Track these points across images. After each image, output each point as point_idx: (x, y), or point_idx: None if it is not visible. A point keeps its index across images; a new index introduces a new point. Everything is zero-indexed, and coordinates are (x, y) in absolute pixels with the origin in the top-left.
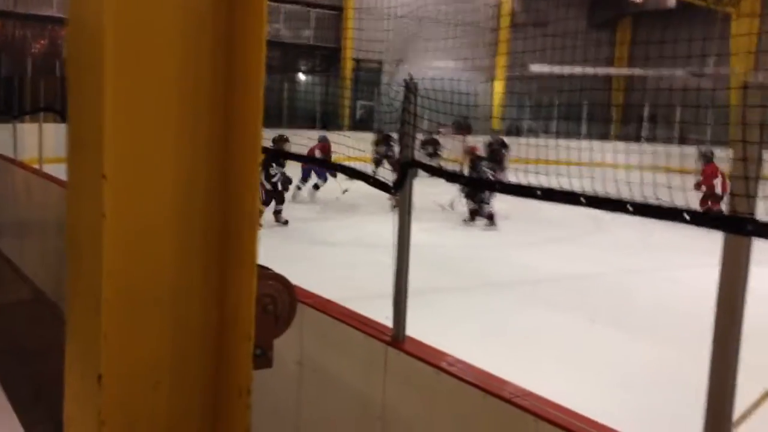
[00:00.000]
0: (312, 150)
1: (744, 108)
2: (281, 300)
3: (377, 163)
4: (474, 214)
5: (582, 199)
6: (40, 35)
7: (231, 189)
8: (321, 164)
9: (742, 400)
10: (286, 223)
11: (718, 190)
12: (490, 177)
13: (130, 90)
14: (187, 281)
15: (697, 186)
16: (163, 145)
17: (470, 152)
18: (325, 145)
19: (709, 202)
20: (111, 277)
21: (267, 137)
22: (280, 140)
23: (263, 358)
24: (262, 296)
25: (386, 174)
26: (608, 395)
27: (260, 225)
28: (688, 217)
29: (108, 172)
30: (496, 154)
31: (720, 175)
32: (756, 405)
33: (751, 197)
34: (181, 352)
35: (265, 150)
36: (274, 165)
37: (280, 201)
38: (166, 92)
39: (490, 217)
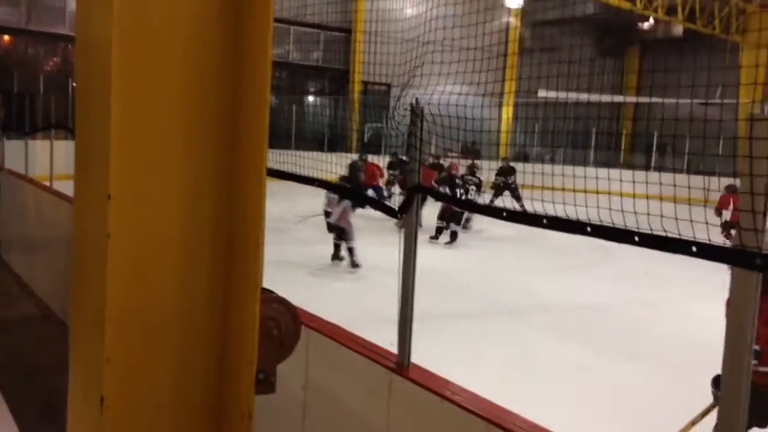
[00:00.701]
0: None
1: (750, 140)
2: (285, 324)
3: (389, 184)
4: (439, 232)
5: (587, 229)
6: (52, 53)
7: (236, 211)
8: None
9: None
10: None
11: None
12: (469, 193)
13: (136, 110)
14: (191, 303)
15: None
16: (168, 166)
17: (448, 170)
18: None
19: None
20: (115, 298)
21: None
22: (353, 168)
23: (266, 383)
24: (265, 319)
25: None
26: (613, 428)
27: (339, 258)
28: (695, 249)
29: (113, 192)
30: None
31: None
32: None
33: (759, 231)
34: (183, 374)
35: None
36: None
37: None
38: (172, 112)
39: (453, 236)
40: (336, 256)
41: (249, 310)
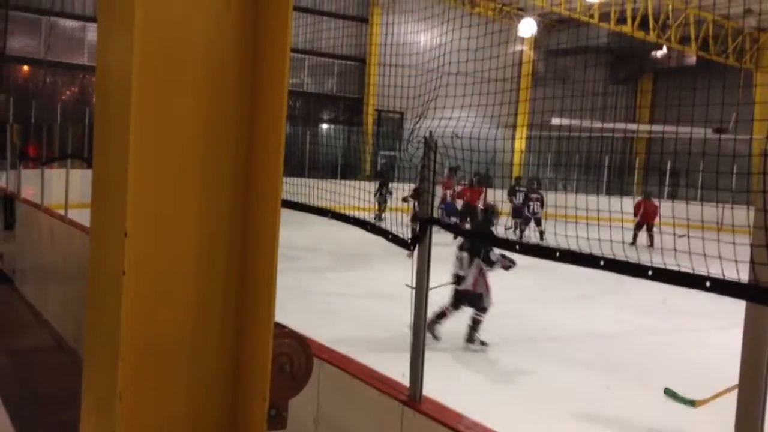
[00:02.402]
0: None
1: (765, 176)
2: (297, 359)
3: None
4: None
5: (601, 263)
6: (70, 83)
7: (250, 248)
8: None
9: None
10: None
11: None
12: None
13: (154, 148)
14: (204, 340)
15: None
16: (185, 204)
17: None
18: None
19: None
20: (129, 335)
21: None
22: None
23: (278, 419)
24: (278, 355)
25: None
26: None
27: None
28: (708, 285)
29: (130, 230)
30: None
31: None
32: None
33: None
34: (196, 410)
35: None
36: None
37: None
38: (189, 151)
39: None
40: (434, 332)
41: (262, 347)
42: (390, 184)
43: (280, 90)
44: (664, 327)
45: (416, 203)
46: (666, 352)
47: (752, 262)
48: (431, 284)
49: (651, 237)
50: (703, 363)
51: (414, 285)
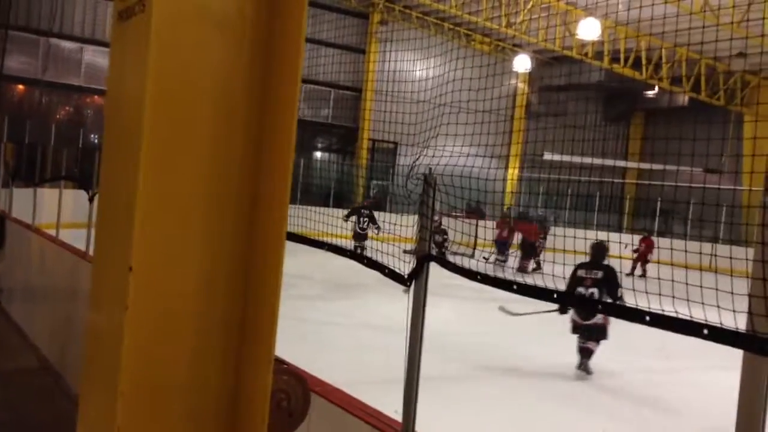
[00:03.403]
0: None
1: (763, 227)
2: (295, 395)
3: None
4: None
5: (599, 307)
6: (65, 103)
7: (252, 284)
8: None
9: None
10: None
11: None
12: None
13: (162, 185)
14: (204, 377)
15: None
16: (190, 241)
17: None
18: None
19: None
20: (128, 370)
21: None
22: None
23: None
24: (276, 391)
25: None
26: None
27: None
28: (706, 332)
29: (135, 265)
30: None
31: None
32: None
33: None
34: None
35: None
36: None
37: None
38: (197, 189)
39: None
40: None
41: (261, 385)
42: (363, 212)
43: (288, 133)
44: (659, 365)
45: (358, 222)
46: (663, 390)
47: (750, 312)
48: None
49: (645, 270)
50: (703, 403)
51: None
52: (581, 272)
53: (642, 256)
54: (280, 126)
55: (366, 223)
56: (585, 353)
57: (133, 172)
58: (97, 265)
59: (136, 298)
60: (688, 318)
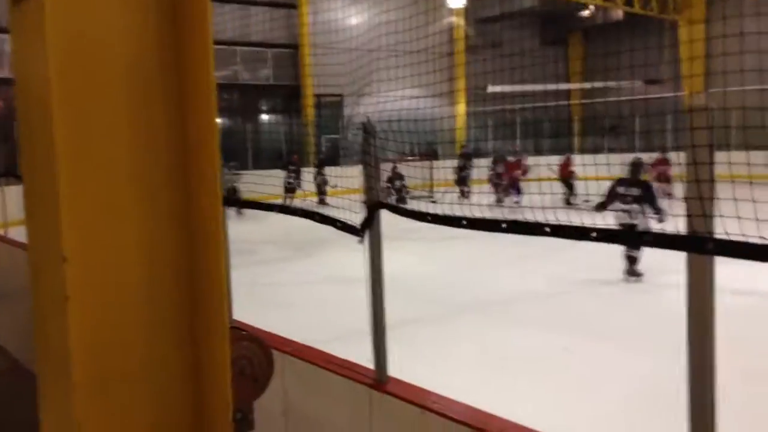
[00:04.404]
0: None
1: (691, 131)
2: (257, 360)
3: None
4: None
5: (547, 230)
6: None
7: (196, 258)
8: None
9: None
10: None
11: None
12: None
13: (83, 166)
14: (160, 356)
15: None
16: (123, 220)
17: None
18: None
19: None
20: (80, 360)
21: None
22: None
23: (244, 422)
24: (237, 359)
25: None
26: (603, 416)
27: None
28: (650, 239)
29: (68, 254)
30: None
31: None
32: None
33: (707, 216)
34: (160, 427)
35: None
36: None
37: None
38: (121, 164)
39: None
40: (633, 271)
41: (219, 354)
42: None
43: (208, 94)
44: (611, 276)
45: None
46: (617, 299)
47: (688, 214)
48: None
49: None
50: (654, 311)
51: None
52: (621, 189)
53: (662, 177)
54: (200, 89)
55: (293, 178)
56: (631, 260)
57: (51, 161)
58: (32, 258)
59: (75, 287)
60: (632, 230)
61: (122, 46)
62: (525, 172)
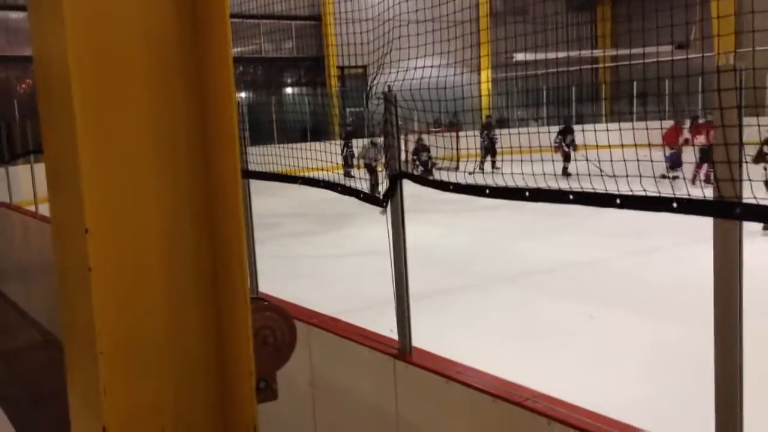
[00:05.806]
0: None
1: (719, 93)
2: (280, 330)
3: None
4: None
5: (570, 197)
6: (24, 77)
7: (216, 227)
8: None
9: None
10: None
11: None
12: None
13: (103, 139)
14: (183, 325)
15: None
16: (144, 191)
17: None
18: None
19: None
20: (104, 329)
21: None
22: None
23: (268, 391)
24: (260, 329)
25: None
26: (628, 385)
27: None
28: (675, 206)
29: (91, 226)
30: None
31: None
32: None
33: (735, 181)
34: (183, 395)
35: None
36: None
37: None
38: (141, 136)
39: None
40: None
41: (241, 324)
42: (352, 142)
43: (226, 58)
44: (642, 246)
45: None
46: (648, 270)
47: (716, 179)
48: None
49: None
50: (685, 277)
51: None
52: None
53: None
54: (218, 60)
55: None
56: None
57: (71, 135)
58: (55, 231)
59: (98, 258)
60: (657, 194)
61: (140, 19)
62: (709, 137)
